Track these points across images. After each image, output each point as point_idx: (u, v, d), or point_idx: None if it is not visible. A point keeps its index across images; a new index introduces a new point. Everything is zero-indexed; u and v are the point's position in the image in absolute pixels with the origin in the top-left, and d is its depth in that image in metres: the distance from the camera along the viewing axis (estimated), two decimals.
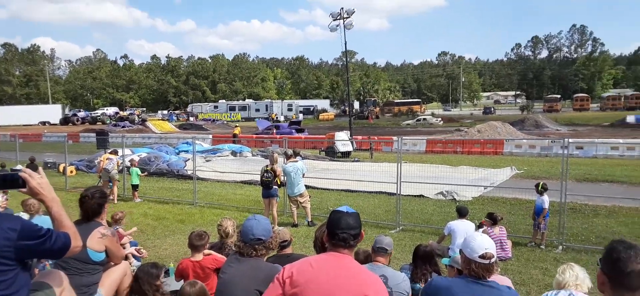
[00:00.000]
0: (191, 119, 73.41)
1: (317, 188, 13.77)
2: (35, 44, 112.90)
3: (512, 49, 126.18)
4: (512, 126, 36.86)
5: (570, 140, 10.87)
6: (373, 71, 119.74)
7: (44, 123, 67.32)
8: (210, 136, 35.03)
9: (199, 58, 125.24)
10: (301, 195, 10.31)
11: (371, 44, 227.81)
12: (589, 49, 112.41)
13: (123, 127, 52.91)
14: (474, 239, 2.76)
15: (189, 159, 18.80)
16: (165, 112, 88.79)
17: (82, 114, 73.35)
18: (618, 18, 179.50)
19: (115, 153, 14.16)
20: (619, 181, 15.35)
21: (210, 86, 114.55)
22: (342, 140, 24.41)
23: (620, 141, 24.23)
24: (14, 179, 2.35)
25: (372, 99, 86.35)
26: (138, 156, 18.02)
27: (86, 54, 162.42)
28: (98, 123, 64.38)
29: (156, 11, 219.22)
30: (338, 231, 2.54)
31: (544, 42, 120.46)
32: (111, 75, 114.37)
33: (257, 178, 11.08)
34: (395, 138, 11.91)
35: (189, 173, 16.46)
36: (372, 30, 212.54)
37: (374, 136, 34.34)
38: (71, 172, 17.87)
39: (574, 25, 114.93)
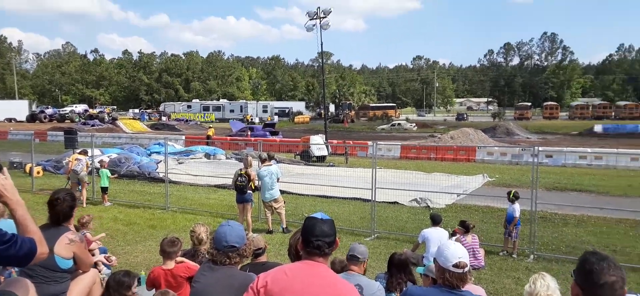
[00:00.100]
0: (163, 118, 72.01)
1: (292, 193, 13.71)
2: (1, 35, 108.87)
3: (485, 56, 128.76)
4: (484, 133, 37.62)
5: (540, 148, 11.12)
6: (349, 74, 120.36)
7: (9, 120, 65.08)
8: (183, 137, 34.52)
9: (172, 54, 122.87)
10: (276, 200, 10.22)
11: (347, 45, 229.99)
12: (559, 57, 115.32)
13: (92, 125, 51.62)
14: (448, 248, 2.77)
15: (161, 161, 18.45)
16: (136, 111, 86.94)
17: (49, 111, 71.02)
18: (587, 26, 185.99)
19: (84, 153, 13.72)
20: (587, 190, 15.80)
21: (184, 85, 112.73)
22: (318, 144, 24.41)
23: (588, 150, 25.00)
24: None
25: (348, 102, 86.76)
26: (108, 156, 17.56)
27: (55, 47, 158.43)
28: (66, 121, 62.58)
29: (128, 3, 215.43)
30: (312, 239, 2.50)
31: (515, 49, 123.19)
32: (81, 70, 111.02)
33: (231, 181, 10.96)
34: (370, 143, 11.98)
35: (161, 175, 16.16)
36: (348, 30, 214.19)
37: (350, 141, 34.50)
38: (38, 173, 17.24)
39: (544, 33, 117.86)
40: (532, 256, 8.62)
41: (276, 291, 2.45)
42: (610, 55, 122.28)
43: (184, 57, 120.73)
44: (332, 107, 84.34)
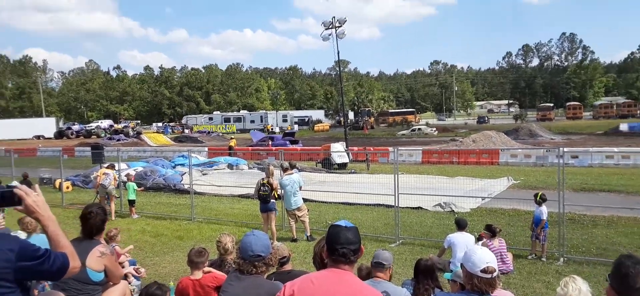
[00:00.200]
0: (186, 131, 73.23)
1: (315, 201, 13.73)
2: (27, 55, 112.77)
3: (504, 58, 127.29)
4: (507, 136, 37.03)
5: (565, 149, 10.93)
6: (366, 81, 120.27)
7: (38, 137, 66.89)
8: (206, 149, 34.95)
9: (192, 68, 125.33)
10: (299, 209, 10.26)
11: (363, 53, 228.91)
12: (580, 57, 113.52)
13: (118, 140, 52.72)
14: (475, 253, 2.73)
15: (185, 172, 18.71)
16: (159, 124, 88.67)
17: (76, 127, 72.89)
18: (606, 26, 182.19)
19: (111, 167, 14.04)
20: (615, 190, 15.40)
21: (205, 97, 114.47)
22: (338, 151, 24.40)
23: (615, 149, 24.36)
24: (12, 196, 2.30)
25: (367, 109, 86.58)
26: (134, 170, 17.91)
27: (78, 65, 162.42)
28: (93, 136, 64.11)
29: (148, 21, 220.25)
30: (338, 247, 2.50)
31: (534, 50, 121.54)
32: (104, 87, 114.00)
33: (254, 191, 11.03)
34: (391, 149, 11.95)
35: (186, 187, 16.38)
36: (363, 39, 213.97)
37: (370, 147, 34.38)
38: (67, 188, 17.71)
39: (563, 34, 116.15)
40: (562, 259, 8.44)
41: None
42: (632, 53, 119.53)
43: (203, 71, 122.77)
44: (351, 115, 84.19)
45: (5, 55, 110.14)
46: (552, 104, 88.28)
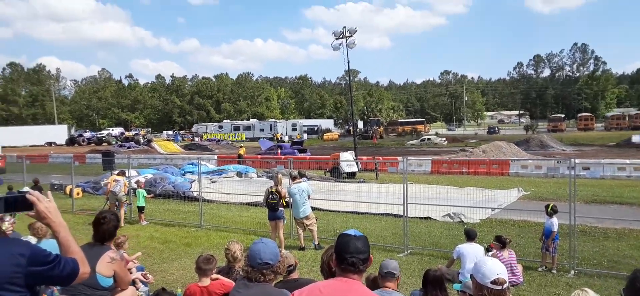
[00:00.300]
0: (196, 139, 73.63)
1: (323, 210, 13.72)
2: (40, 64, 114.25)
3: (514, 68, 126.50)
4: (517, 146, 36.73)
5: (577, 161, 10.80)
6: (376, 90, 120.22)
7: (50, 144, 67.66)
8: (216, 157, 35.06)
9: (203, 77, 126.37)
10: (307, 217, 10.26)
11: (373, 63, 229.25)
12: (591, 68, 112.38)
13: (128, 147, 53.13)
14: (485, 264, 2.71)
15: (194, 180, 18.81)
16: (170, 132, 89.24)
17: (87, 134, 73.64)
18: (619, 37, 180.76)
19: (122, 174, 14.18)
20: (627, 202, 15.20)
21: (215, 106, 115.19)
22: (347, 161, 24.39)
23: (627, 161, 24.05)
24: (24, 201, 2.32)
25: (376, 118, 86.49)
26: (144, 177, 18.04)
27: (91, 73, 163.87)
28: (104, 144, 64.66)
29: (160, 30, 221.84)
30: (347, 256, 2.49)
31: (545, 60, 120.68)
32: (116, 95, 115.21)
33: (262, 199, 11.05)
34: (400, 159, 11.90)
35: (195, 194, 16.45)
36: (374, 48, 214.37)
37: (379, 157, 34.29)
38: (78, 194, 17.87)
39: (575, 44, 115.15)
40: (572, 272, 8.33)
41: None
42: None
43: (214, 80, 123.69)
44: (360, 124, 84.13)
45: (20, 63, 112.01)
46: (563, 115, 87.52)
